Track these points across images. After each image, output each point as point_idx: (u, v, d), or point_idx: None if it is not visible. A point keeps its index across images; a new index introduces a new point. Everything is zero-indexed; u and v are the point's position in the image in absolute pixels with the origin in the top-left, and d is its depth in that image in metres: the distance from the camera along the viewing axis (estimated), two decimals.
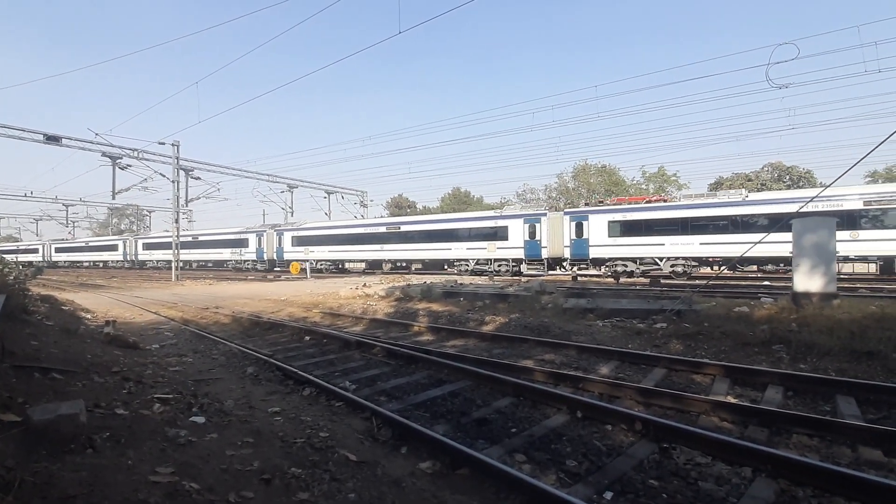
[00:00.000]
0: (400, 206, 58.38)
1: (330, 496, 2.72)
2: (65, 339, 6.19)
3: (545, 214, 24.67)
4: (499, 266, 25.64)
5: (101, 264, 54.41)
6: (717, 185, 40.52)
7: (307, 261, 31.78)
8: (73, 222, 61.73)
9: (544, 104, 70.81)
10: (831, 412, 4.38)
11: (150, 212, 59.97)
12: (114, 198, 29.98)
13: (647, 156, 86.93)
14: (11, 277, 7.92)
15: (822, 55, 33.86)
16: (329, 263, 33.95)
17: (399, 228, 30.35)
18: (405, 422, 3.85)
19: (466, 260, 26.70)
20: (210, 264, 43.77)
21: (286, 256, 35.62)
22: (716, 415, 4.21)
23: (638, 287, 16.67)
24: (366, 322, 10.10)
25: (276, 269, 37.01)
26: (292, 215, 39.88)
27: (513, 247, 24.94)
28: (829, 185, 11.90)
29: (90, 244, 57.45)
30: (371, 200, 44.98)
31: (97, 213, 65.23)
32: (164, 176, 28.82)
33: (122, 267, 50.52)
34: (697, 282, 17.27)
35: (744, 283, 18.23)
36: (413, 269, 31.84)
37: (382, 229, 31.03)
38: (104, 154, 27.37)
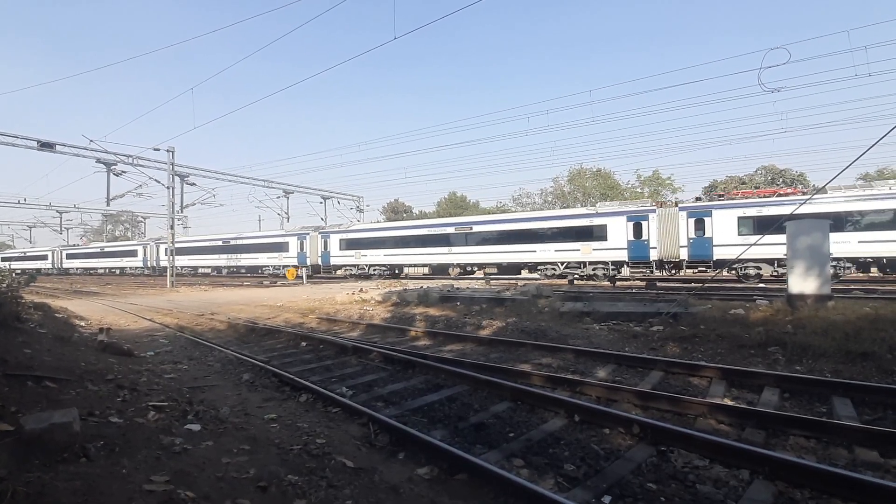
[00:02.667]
0: (396, 211, 58.49)
1: (327, 503, 2.70)
2: (58, 346, 6.13)
3: (654, 211, 21.65)
4: (594, 269, 22.89)
5: (117, 271, 50.82)
6: (710, 189, 40.76)
7: (357, 265, 29.98)
8: (68, 229, 61.27)
9: (539, 108, 71.12)
10: (827, 413, 4.40)
11: (145, 218, 59.72)
12: (108, 204, 29.84)
13: (641, 159, 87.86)
14: (4, 285, 7.85)
15: (814, 59, 34.26)
16: (384, 269, 30.79)
17: (471, 228, 27.27)
18: (402, 427, 3.84)
19: (554, 263, 23.92)
20: (243, 270, 39.75)
21: (333, 261, 32.34)
22: (713, 417, 4.22)
23: (634, 290, 16.71)
24: (362, 327, 10.07)
25: (319, 275, 33.59)
26: (288, 220, 39.81)
27: (613, 247, 22.22)
28: (822, 187, 12.09)
29: (105, 250, 53.91)
30: (367, 205, 45.05)
31: (91, 219, 65.01)
32: (159, 182, 28.68)
33: (141, 274, 46.72)
34: (693, 284, 17.30)
35: (739, 285, 18.30)
36: (484, 272, 28.48)
37: (450, 230, 27.94)
38: (98, 160, 27.23)
